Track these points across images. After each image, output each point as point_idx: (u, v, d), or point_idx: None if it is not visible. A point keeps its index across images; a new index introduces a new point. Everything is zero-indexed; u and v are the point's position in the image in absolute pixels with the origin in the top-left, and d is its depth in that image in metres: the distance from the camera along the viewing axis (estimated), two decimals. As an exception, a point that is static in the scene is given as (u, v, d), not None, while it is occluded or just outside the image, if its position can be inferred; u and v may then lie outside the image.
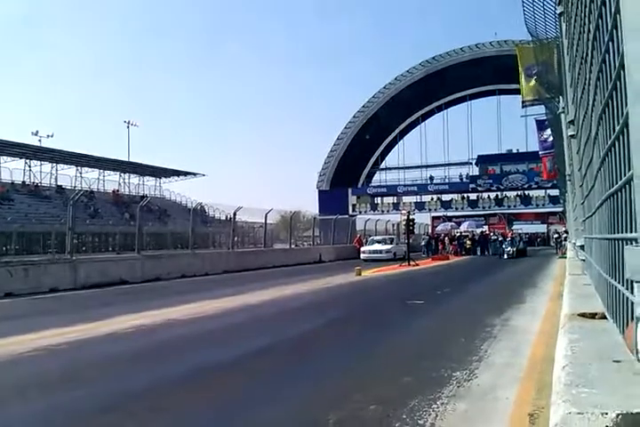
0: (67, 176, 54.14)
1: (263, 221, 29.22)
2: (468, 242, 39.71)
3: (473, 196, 59.79)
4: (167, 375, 6.19)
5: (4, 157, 48.81)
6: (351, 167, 61.48)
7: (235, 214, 26.76)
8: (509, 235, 37.88)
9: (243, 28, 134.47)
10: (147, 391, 5.53)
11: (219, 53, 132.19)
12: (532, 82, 22.90)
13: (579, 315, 2.98)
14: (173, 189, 62.83)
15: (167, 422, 4.71)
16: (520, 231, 46.78)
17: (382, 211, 60.53)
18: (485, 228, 51.59)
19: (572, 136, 6.52)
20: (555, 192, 51.45)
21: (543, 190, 56.24)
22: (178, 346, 8.00)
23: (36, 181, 51.24)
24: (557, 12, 7.27)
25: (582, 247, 7.17)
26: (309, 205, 67.30)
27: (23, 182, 49.51)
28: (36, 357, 7.11)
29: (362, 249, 34.46)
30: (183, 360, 7.05)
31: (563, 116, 10.12)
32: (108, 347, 7.90)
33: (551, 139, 26.23)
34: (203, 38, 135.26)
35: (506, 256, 31.93)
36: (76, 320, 9.83)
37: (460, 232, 44.84)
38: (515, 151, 59.12)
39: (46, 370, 6.55)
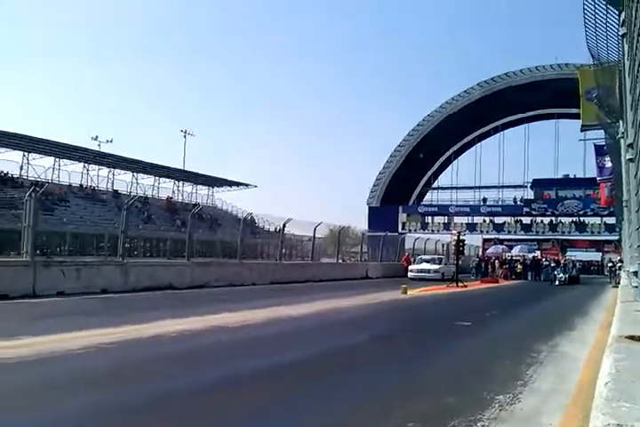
0: (123, 181, 55.60)
1: (311, 234, 29.28)
2: (519, 266, 38.98)
3: (526, 220, 58.66)
4: (205, 380, 6.24)
5: (64, 160, 50.36)
6: (403, 185, 61.18)
7: (284, 226, 26.91)
8: (562, 261, 37.03)
9: (294, 48, 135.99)
10: (185, 394, 5.57)
11: (271, 68, 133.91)
12: (592, 106, 22.43)
13: (626, 337, 2.91)
14: (225, 199, 63.72)
15: (198, 425, 4.74)
16: (573, 258, 45.62)
17: (432, 230, 59.91)
18: (538, 253, 50.59)
19: (630, 160, 6.38)
20: (611, 220, 50.15)
21: (599, 218, 54.80)
22: (218, 353, 8.07)
23: (94, 185, 52.67)
24: (620, 33, 7.15)
25: (636, 273, 6.97)
26: (358, 221, 67.15)
27: (81, 185, 50.94)
28: (84, 354, 7.26)
29: (410, 267, 34.19)
30: (222, 367, 7.09)
31: (622, 140, 9.89)
32: (152, 349, 8.03)
33: (610, 165, 25.63)
34: (258, 53, 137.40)
35: (557, 283, 31.17)
36: (123, 321, 10.01)
37: (512, 256, 44.06)
38: (571, 176, 57.87)
39: (93, 367, 6.67)
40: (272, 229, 51.71)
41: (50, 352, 7.20)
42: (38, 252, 17.11)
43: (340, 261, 33.61)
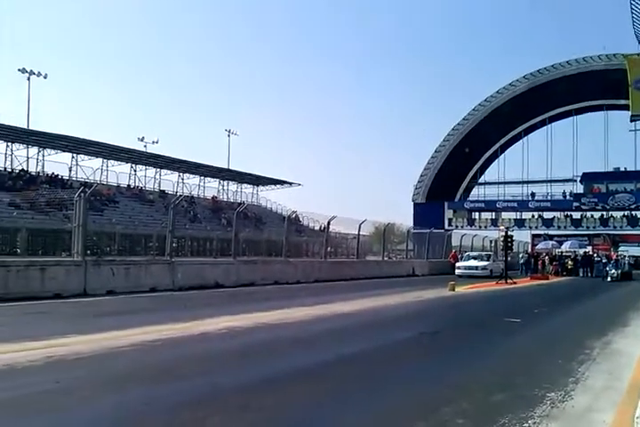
0: (169, 181, 56.26)
1: (356, 232, 29.20)
2: (570, 262, 38.12)
3: (576, 214, 57.37)
4: (255, 375, 6.28)
5: (112, 161, 51.29)
6: (448, 181, 60.48)
7: (328, 224, 26.90)
8: (614, 257, 36.10)
9: (335, 47, 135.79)
10: (236, 389, 5.63)
11: (312, 66, 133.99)
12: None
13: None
14: (269, 197, 64.06)
15: (251, 419, 4.76)
16: (626, 254, 44.44)
17: (479, 226, 59.07)
18: (589, 248, 49.41)
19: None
20: (665, 213, 48.72)
21: (652, 211, 53.30)
22: (267, 349, 8.11)
23: (141, 185, 53.59)
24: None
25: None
26: (403, 218, 66.78)
27: (128, 186, 51.83)
28: (132, 351, 7.40)
29: (457, 264, 33.80)
30: (271, 362, 7.13)
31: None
32: (201, 346, 8.12)
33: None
34: (294, 53, 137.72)
35: (609, 279, 30.39)
36: (172, 319, 10.17)
37: (562, 252, 43.16)
38: (622, 169, 56.36)
39: (142, 364, 6.80)
40: (316, 227, 51.75)
41: (102, 349, 7.37)
42: (88, 252, 17.49)
43: (385, 258, 33.46)
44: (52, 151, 46.99)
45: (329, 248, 30.82)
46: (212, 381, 6.02)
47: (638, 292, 22.75)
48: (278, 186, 64.36)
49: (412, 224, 49.72)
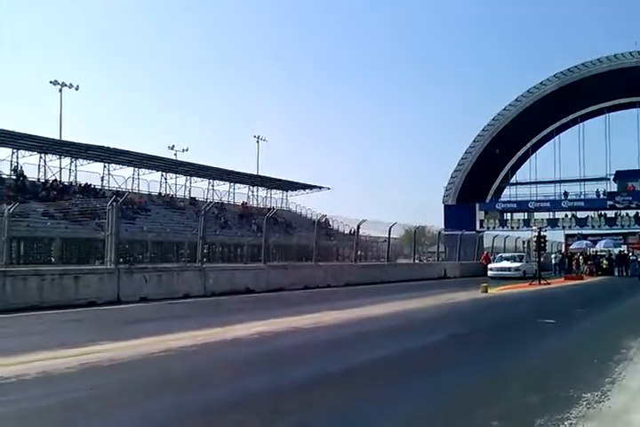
0: (199, 189, 56.71)
1: (386, 235, 29.13)
2: (605, 262, 37.49)
3: (610, 213, 56.39)
4: (287, 380, 6.29)
5: (143, 170, 51.95)
6: (479, 182, 59.93)
7: (358, 227, 26.85)
8: (650, 255, 35.42)
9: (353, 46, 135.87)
10: (268, 394, 5.64)
11: (343, 65, 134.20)
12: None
13: None
14: (299, 202, 64.21)
15: (282, 423, 4.76)
16: (662, 252, 43.58)
17: (512, 227, 58.40)
18: (623, 247, 48.53)
19: None
20: (700, 210, 47.64)
21: (687, 209, 52.18)
22: (299, 353, 8.12)
23: (171, 193, 54.14)
24: None
25: None
26: (434, 221, 66.34)
27: (159, 194, 52.42)
28: (165, 357, 7.45)
29: (489, 266, 33.47)
30: (303, 366, 7.15)
31: None
32: (234, 351, 8.16)
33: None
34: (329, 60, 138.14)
35: (646, 278, 29.82)
36: (204, 325, 10.23)
37: (596, 251, 42.48)
38: (656, 167, 55.30)
39: (173, 370, 6.83)
40: (346, 230, 51.74)
41: (136, 355, 7.43)
42: (121, 260, 17.70)
43: (416, 261, 33.25)
44: (85, 161, 47.78)
45: (359, 252, 30.76)
46: (243, 385, 6.04)
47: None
48: (307, 190, 64.50)
49: (442, 226, 49.44)
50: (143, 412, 5.07)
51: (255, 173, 60.21)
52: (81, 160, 47.54)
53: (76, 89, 48.88)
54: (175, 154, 57.63)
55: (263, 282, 19.53)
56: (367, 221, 27.01)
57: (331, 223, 54.48)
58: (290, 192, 65.16)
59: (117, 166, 49.84)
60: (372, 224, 28.26)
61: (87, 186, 45.30)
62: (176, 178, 55.38)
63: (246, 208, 58.04)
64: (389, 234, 28.83)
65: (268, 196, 64.09)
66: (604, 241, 46.65)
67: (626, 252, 42.61)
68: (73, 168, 47.23)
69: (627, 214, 55.63)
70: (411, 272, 28.91)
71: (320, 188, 63.86)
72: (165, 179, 54.24)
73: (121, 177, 49.71)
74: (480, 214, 60.27)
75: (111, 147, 44.39)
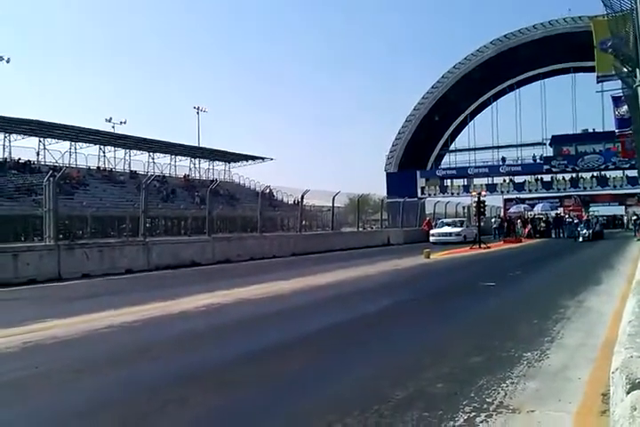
0: (139, 162, 55.64)
1: (331, 204, 29.24)
2: (542, 224, 38.62)
3: (547, 177, 57.91)
4: (237, 351, 6.29)
5: (80, 144, 50.53)
6: (420, 149, 60.59)
7: (302, 198, 26.85)
8: (585, 217, 36.64)
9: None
10: (216, 366, 5.65)
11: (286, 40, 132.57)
12: (608, 56, 21.92)
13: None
14: (242, 174, 63.70)
15: (234, 394, 4.77)
16: (596, 213, 45.16)
17: (452, 193, 59.46)
18: (560, 210, 50.11)
19: (650, 106, 6.20)
20: (633, 173, 49.36)
21: (621, 171, 53.97)
22: (247, 324, 8.11)
23: (111, 167, 52.93)
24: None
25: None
26: (378, 189, 66.97)
27: (98, 168, 51.18)
28: (110, 333, 7.36)
29: (431, 232, 34.01)
30: (252, 337, 7.15)
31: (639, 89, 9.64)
32: (180, 324, 8.08)
33: (628, 115, 25.13)
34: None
35: (581, 239, 30.85)
36: (149, 299, 10.11)
37: (534, 214, 43.70)
38: (590, 131, 56.92)
39: (118, 346, 6.76)
40: (291, 201, 51.72)
41: (80, 332, 7.32)
42: (61, 236, 17.24)
43: (360, 229, 33.56)
44: (19, 136, 46.18)
45: (304, 222, 30.84)
46: (190, 359, 6.01)
47: (609, 250, 23.15)
48: (250, 162, 64.01)
49: (385, 194, 49.92)
50: (89, 388, 5.00)
51: (197, 145, 59.31)
52: (15, 135, 45.92)
53: (7, 62, 46.79)
54: (113, 127, 56.22)
55: (208, 254, 19.41)
56: (311, 190, 27.02)
57: (275, 194, 54.30)
58: (232, 164, 64.53)
59: (53, 141, 48.34)
60: (316, 194, 28.30)
61: (22, 161, 43.80)
62: (115, 151, 54.20)
63: (188, 181, 57.29)
64: (333, 203, 28.94)
65: (211, 168, 63.39)
66: (541, 204, 48.11)
67: (562, 214, 43.99)
68: (7, 144, 45.74)
69: (562, 178, 57.22)
70: (355, 240, 29.18)
71: (263, 159, 63.45)
72: (104, 152, 53.02)
73: (57, 152, 48.31)
74: (421, 181, 61.09)
75: (46, 121, 42.94)
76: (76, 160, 49.62)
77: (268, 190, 38.41)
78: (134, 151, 55.34)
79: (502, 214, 47.83)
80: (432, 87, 60.42)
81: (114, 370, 5.63)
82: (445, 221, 36.09)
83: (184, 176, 58.24)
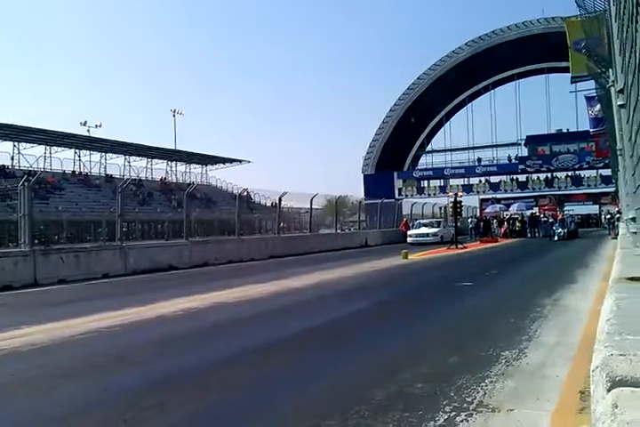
0: (115, 165, 55.29)
1: (309, 206, 29.24)
2: (518, 224, 38.96)
3: (522, 177, 58.55)
4: (215, 355, 6.26)
5: (55, 148, 50.01)
6: (396, 151, 60.91)
7: (280, 200, 26.81)
8: (560, 216, 37.04)
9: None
10: (195, 371, 5.60)
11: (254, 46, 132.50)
12: (581, 56, 22.23)
13: (627, 278, 2.91)
14: (219, 177, 63.53)
15: (213, 399, 4.74)
16: (571, 213, 45.67)
17: (429, 194, 59.87)
18: (535, 209, 50.60)
19: (621, 106, 6.32)
20: (607, 172, 50.08)
21: (595, 170, 54.78)
22: (225, 328, 8.08)
23: (86, 171, 52.40)
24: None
25: (634, 220, 6.97)
26: (355, 191, 67.10)
27: (73, 172, 50.68)
28: (87, 339, 7.28)
29: (409, 233, 34.18)
30: (230, 341, 7.12)
31: (612, 89, 9.79)
32: (158, 329, 8.02)
33: (602, 115, 25.51)
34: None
35: (556, 238, 31.22)
36: (126, 304, 10.02)
37: (510, 214, 44.08)
38: (565, 131, 57.65)
39: (96, 351, 6.67)
40: (269, 203, 51.65)
41: (56, 338, 7.23)
42: (36, 241, 17.06)
43: (338, 231, 33.58)
44: (-8, 141, 45.56)
45: (282, 224, 30.75)
46: (168, 364, 5.96)
47: (585, 249, 23.41)
48: (227, 164, 63.83)
49: (363, 196, 50.05)
50: (66, 395, 4.93)
51: (173, 148, 58.99)
52: (-12, 140, 45.30)
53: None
54: (88, 130, 55.69)
55: (186, 258, 19.30)
56: (289, 192, 26.98)
57: (252, 197, 54.20)
58: (210, 166, 64.33)
59: (28, 145, 47.76)
60: (294, 196, 28.23)
61: (-4, 166, 43.28)
62: (90, 155, 53.70)
63: (165, 184, 56.94)
64: (311, 205, 28.94)
65: (188, 171, 63.10)
66: (516, 204, 48.51)
67: (537, 214, 44.41)
68: (-20, 148, 45.03)
69: (537, 178, 57.89)
70: (333, 242, 29.22)
71: (240, 161, 63.30)
72: (79, 156, 52.54)
73: (32, 156, 47.80)
74: (398, 183, 61.43)
75: (20, 125, 42.42)
76: (51, 164, 49.27)
77: (245, 193, 38.36)
78: (110, 155, 54.95)
79: (479, 214, 48.24)
80: (408, 89, 60.81)
81: (92, 376, 5.56)
82: (422, 221, 36.26)
83: (161, 179, 57.88)
